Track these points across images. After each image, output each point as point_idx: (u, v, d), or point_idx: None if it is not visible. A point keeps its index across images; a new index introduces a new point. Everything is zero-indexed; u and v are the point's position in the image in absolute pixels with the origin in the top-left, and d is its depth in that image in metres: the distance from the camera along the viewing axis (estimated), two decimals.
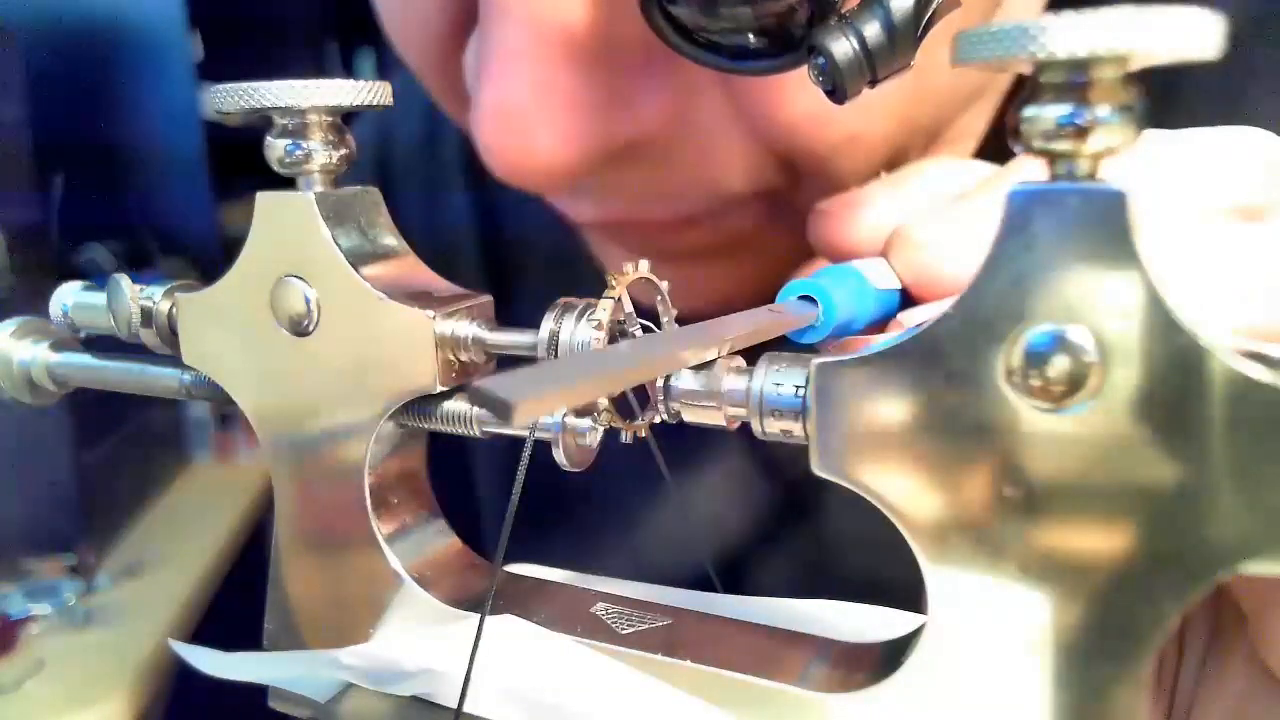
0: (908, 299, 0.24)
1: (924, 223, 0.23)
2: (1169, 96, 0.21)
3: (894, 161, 0.30)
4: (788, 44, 0.23)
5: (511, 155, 0.27)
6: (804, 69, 0.22)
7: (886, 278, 0.23)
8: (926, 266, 0.22)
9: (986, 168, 0.25)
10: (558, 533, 0.42)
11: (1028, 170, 0.22)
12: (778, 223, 0.31)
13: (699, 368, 0.20)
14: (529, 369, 0.14)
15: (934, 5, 0.21)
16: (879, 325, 0.23)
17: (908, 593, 0.23)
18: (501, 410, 0.13)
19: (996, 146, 0.22)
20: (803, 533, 0.41)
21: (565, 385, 0.14)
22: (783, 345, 0.20)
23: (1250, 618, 0.20)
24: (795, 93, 0.26)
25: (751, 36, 0.23)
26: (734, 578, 0.42)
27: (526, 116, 0.26)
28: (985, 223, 0.22)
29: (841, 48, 0.21)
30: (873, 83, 0.21)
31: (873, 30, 0.21)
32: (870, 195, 0.26)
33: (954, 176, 0.25)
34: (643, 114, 0.27)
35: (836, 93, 0.21)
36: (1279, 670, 0.19)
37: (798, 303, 0.21)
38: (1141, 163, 0.16)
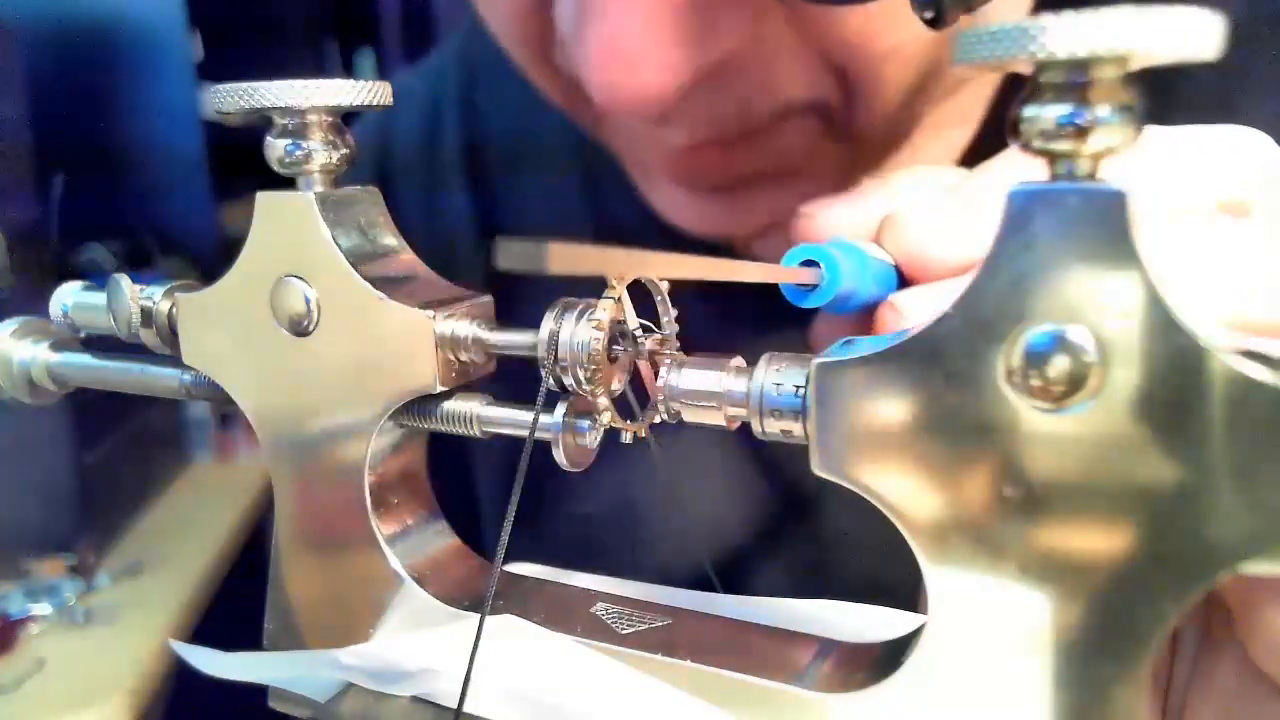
0: (902, 282, 0.24)
1: (913, 209, 0.24)
2: (1165, 96, 0.22)
3: (924, 85, 0.32)
4: None
5: (623, 90, 0.28)
6: None
7: (883, 257, 0.24)
8: (916, 247, 0.23)
9: (964, 173, 0.26)
10: (558, 533, 0.42)
11: (1010, 164, 0.22)
12: (827, 142, 0.33)
13: (699, 367, 0.20)
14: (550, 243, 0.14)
15: None
16: (874, 306, 0.23)
17: (908, 593, 0.23)
18: (535, 258, 0.13)
19: (995, 144, 0.22)
20: (801, 532, 0.41)
21: (584, 253, 0.14)
22: (787, 311, 0.20)
23: (1237, 617, 0.20)
24: (849, 12, 0.28)
25: None
26: (733, 577, 0.42)
27: (637, 51, 0.28)
28: (971, 209, 0.23)
29: None
30: (969, 9, 0.23)
31: None
32: (853, 196, 0.27)
33: (934, 180, 0.26)
34: (725, 38, 0.29)
35: (937, 20, 0.23)
36: (1266, 667, 0.19)
37: (802, 266, 0.21)
38: (1134, 159, 0.16)
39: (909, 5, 0.23)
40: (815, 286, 0.22)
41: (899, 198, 0.26)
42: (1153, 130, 0.22)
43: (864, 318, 0.24)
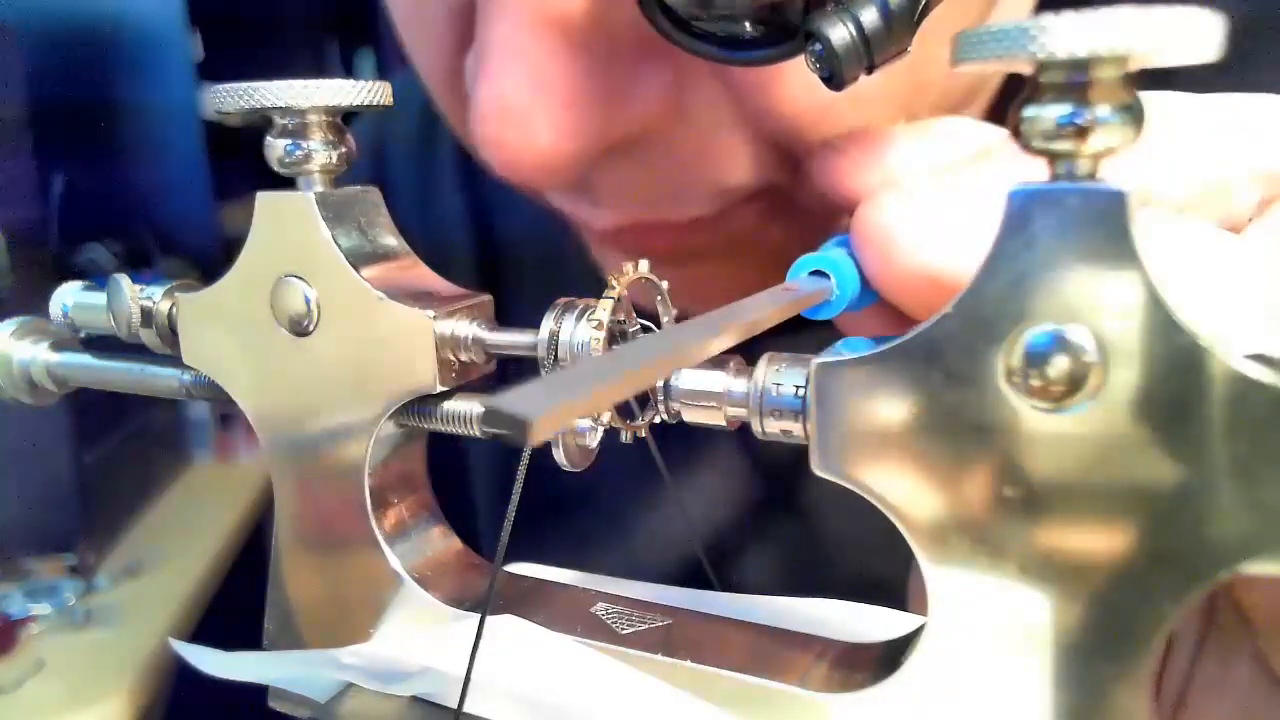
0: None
1: (886, 204, 0.21)
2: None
3: None
4: (784, 32, 0.22)
5: (511, 150, 0.26)
6: (800, 59, 0.22)
7: None
8: (885, 255, 0.21)
9: (1002, 131, 0.24)
10: (555, 532, 0.42)
11: (1003, 160, 0.22)
12: (778, 220, 0.31)
13: (699, 367, 0.20)
14: (539, 382, 0.13)
15: None
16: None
17: (902, 590, 0.23)
18: (519, 430, 0.11)
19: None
20: (797, 530, 0.41)
21: (582, 395, 0.13)
22: (798, 324, 0.20)
23: (1259, 628, 0.20)
24: (793, 86, 0.26)
25: (747, 25, 0.23)
26: (729, 576, 0.42)
27: (525, 110, 0.26)
28: (949, 215, 0.21)
29: (839, 33, 0.20)
30: (870, 69, 0.21)
31: (870, 16, 0.20)
32: (888, 139, 0.24)
33: (972, 134, 0.24)
34: (640, 105, 0.27)
35: (833, 79, 0.21)
36: None
37: (810, 279, 0.20)
38: (1171, 130, 0.15)
39: (819, 78, 0.21)
40: (828, 300, 0.20)
41: (929, 150, 0.23)
42: (1187, 100, 0.21)
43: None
